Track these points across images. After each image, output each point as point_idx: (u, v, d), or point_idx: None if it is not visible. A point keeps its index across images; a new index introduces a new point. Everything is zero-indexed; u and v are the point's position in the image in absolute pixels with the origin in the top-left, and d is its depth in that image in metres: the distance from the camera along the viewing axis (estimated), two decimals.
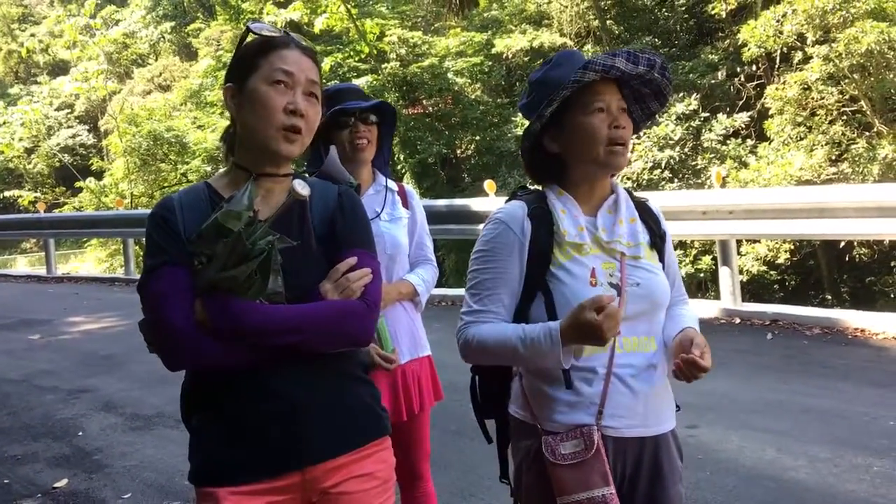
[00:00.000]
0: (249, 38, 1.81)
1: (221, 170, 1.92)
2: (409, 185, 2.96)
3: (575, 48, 16.98)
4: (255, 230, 1.65)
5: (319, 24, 17.19)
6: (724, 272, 7.35)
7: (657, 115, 2.03)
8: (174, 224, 1.73)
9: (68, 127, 31.87)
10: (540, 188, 2.03)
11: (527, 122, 1.97)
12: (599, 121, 1.87)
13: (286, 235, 1.71)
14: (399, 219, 2.80)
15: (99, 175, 26.22)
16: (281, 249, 1.68)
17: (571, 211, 1.92)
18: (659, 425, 1.90)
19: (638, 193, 2.09)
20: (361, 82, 17.78)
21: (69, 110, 32.49)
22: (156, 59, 32.83)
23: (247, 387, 1.71)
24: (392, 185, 2.85)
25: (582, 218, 1.92)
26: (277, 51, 1.77)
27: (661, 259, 1.99)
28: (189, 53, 31.00)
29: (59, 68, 34.81)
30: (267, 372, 1.71)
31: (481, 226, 1.95)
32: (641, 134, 13.11)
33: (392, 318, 2.70)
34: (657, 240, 1.99)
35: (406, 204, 2.86)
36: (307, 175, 1.96)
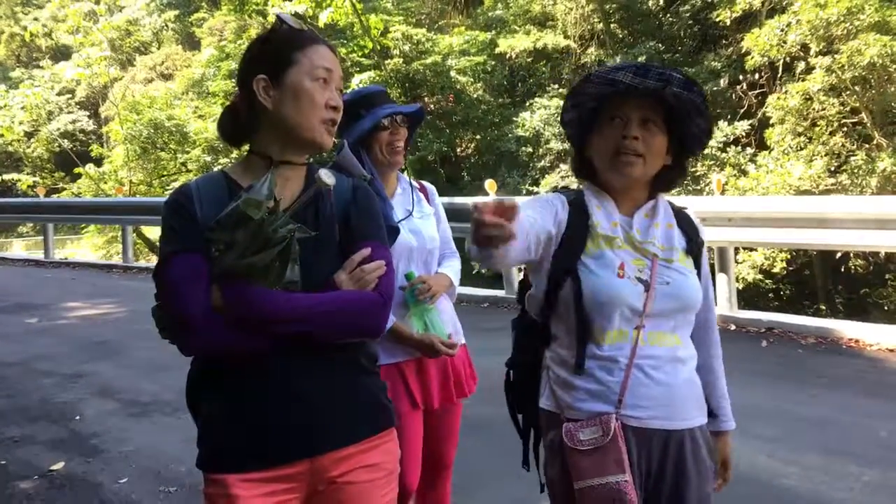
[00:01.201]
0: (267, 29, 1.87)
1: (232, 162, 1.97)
2: (430, 184, 3.08)
3: (578, 51, 17.05)
4: (277, 218, 1.67)
5: (324, 18, 17.19)
6: (721, 279, 7.39)
7: (711, 133, 2.04)
8: (192, 211, 1.74)
9: (69, 112, 31.80)
10: (580, 187, 2.10)
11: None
12: (612, 130, 1.93)
13: (303, 225, 1.73)
14: (428, 215, 2.90)
15: (98, 162, 26.17)
16: (299, 239, 1.70)
17: (606, 207, 1.98)
18: (685, 420, 1.91)
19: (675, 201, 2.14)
20: (364, 77, 17.80)
21: (70, 96, 32.41)
22: (158, 48, 32.79)
23: (258, 374, 1.73)
24: (414, 183, 2.95)
25: (617, 215, 1.97)
26: (313, 46, 1.81)
27: (698, 267, 2.02)
28: (192, 43, 30.97)
29: (61, 53, 34.75)
30: (278, 360, 1.73)
31: None
32: None
33: (439, 310, 2.78)
34: (693, 246, 2.02)
35: (429, 201, 2.97)
36: (323, 166, 1.98)
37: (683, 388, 1.92)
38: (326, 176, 1.77)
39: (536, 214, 1.92)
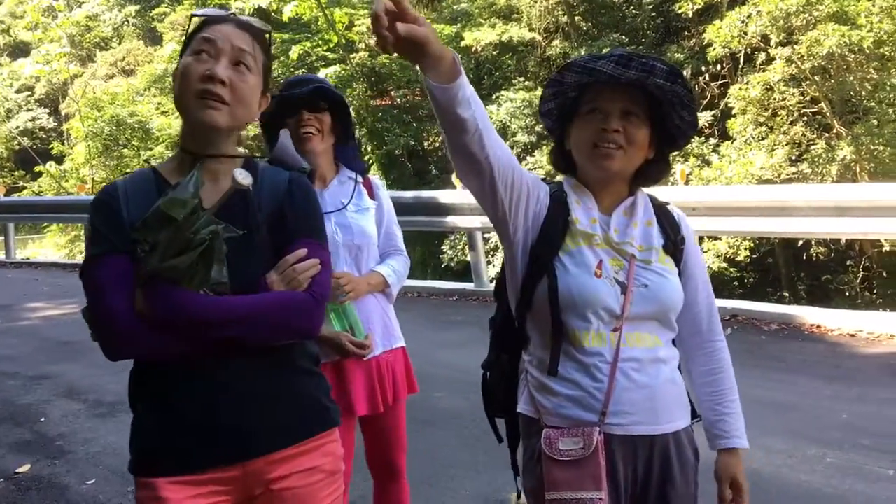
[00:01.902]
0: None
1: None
2: (376, 177, 2.95)
3: (543, 44, 17.12)
4: (198, 218, 1.61)
5: (288, 12, 17.09)
6: None
7: (696, 126, 1.95)
8: (118, 211, 1.68)
9: (28, 110, 31.28)
10: (557, 180, 2.02)
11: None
12: (590, 122, 1.85)
13: (232, 224, 1.66)
14: (366, 209, 2.77)
15: (59, 159, 25.80)
16: (226, 239, 1.64)
17: (586, 203, 1.90)
18: (669, 423, 1.84)
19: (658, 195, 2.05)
20: (330, 72, 17.72)
21: (29, 93, 31.88)
22: (119, 43, 32.32)
23: (189, 377, 1.67)
24: (357, 176, 2.80)
25: (596, 212, 1.89)
26: (211, 26, 1.74)
27: (678, 264, 1.93)
28: (154, 38, 30.56)
29: (19, 50, 34.12)
30: (210, 362, 1.67)
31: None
32: None
33: (364, 310, 2.67)
34: (671, 245, 1.92)
35: (372, 195, 2.83)
36: (257, 161, 1.90)
37: (665, 389, 1.84)
38: (241, 176, 1.67)
39: (522, 170, 1.83)
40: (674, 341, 1.94)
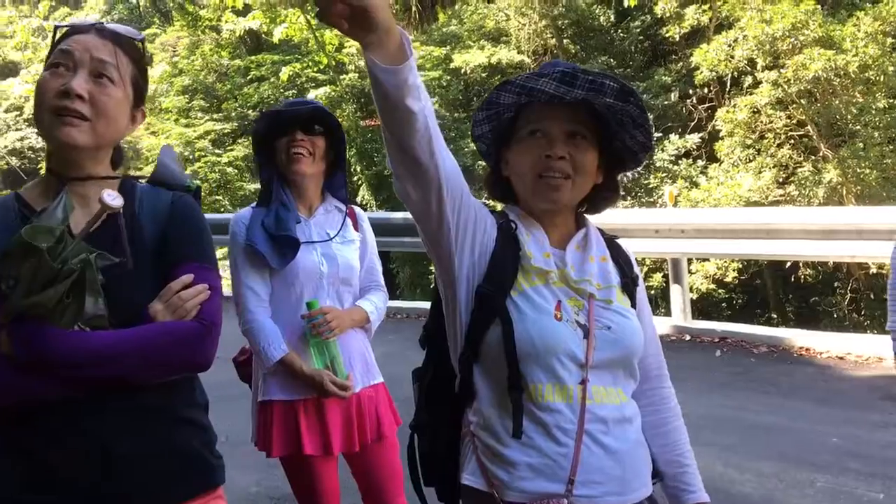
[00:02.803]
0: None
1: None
2: (358, 208, 2.86)
3: (532, 67, 17.21)
4: (66, 247, 1.44)
5: (278, 34, 17.10)
6: (675, 290, 7.49)
7: (650, 147, 1.73)
8: None
9: (17, 129, 31.15)
10: (500, 209, 1.80)
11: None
12: (530, 146, 1.65)
13: (108, 251, 1.51)
14: (351, 241, 2.69)
15: None
16: (103, 268, 1.48)
17: (536, 235, 1.68)
18: (639, 489, 1.62)
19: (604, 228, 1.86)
20: (320, 93, 17.74)
21: (18, 112, 31.74)
22: (151, 67, 32.28)
23: (55, 424, 1.49)
24: (342, 206, 2.73)
25: (548, 247, 1.67)
26: (71, 37, 1.60)
27: (634, 306, 1.74)
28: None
29: (8, 69, 34.04)
30: (80, 407, 1.49)
31: None
32: None
33: (345, 345, 2.59)
34: (629, 282, 1.74)
35: (356, 226, 2.75)
36: (136, 181, 1.74)
37: (634, 452, 1.63)
38: (110, 198, 1.52)
39: (470, 194, 1.59)
40: None
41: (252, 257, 2.55)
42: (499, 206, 1.84)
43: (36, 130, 1.60)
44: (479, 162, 16.17)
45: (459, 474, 1.67)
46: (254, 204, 2.67)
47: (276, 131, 2.57)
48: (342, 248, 2.65)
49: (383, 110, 1.39)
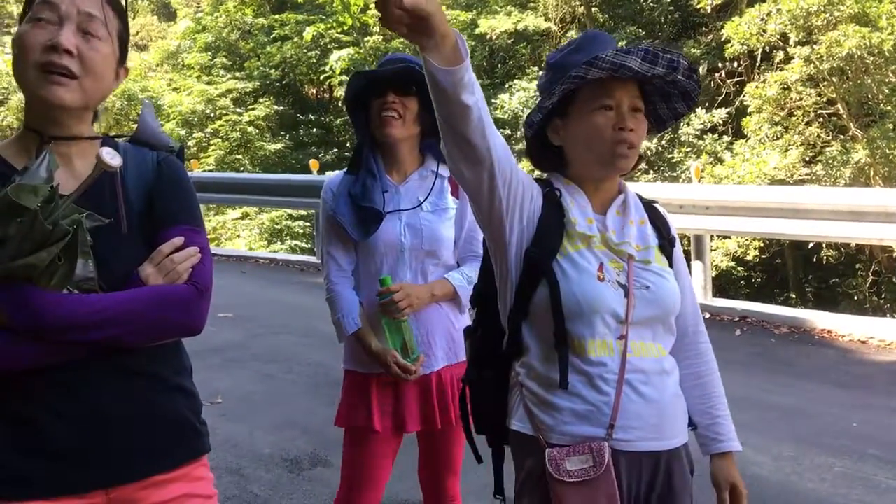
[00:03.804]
0: None
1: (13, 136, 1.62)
2: None
3: (559, 34, 17.00)
4: (57, 207, 1.39)
5: None
6: (696, 266, 7.40)
7: (682, 118, 1.90)
8: None
9: None
10: (544, 176, 1.89)
11: (529, 105, 1.90)
12: (604, 120, 1.73)
13: (97, 212, 1.46)
14: (444, 210, 2.50)
15: None
16: (91, 229, 1.44)
17: (580, 202, 1.78)
18: (673, 438, 1.74)
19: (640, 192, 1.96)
20: (342, 55, 17.65)
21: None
22: (133, 18, 32.22)
23: (44, 387, 1.47)
24: (443, 171, 2.51)
25: (591, 212, 1.78)
26: None
27: (671, 266, 1.85)
28: (168, 14, 30.48)
29: None
30: (70, 371, 1.47)
31: None
32: None
33: (426, 321, 2.45)
34: (666, 244, 1.85)
35: (456, 192, 2.54)
36: (117, 140, 1.68)
37: (672, 403, 1.75)
38: (110, 156, 1.45)
39: (519, 168, 1.72)
40: None
41: (336, 227, 2.46)
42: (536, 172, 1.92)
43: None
44: (501, 129, 16.05)
45: (508, 421, 1.80)
46: (346, 169, 2.55)
47: (368, 91, 2.43)
48: (432, 217, 2.47)
49: (440, 104, 1.51)
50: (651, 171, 14.22)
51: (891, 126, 12.24)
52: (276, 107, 20.55)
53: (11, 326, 1.40)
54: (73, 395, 1.49)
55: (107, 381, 1.52)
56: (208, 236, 1.70)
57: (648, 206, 1.90)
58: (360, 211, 2.42)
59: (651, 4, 16.69)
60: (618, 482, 1.64)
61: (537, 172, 1.92)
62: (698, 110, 14.29)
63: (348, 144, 20.43)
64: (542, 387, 1.72)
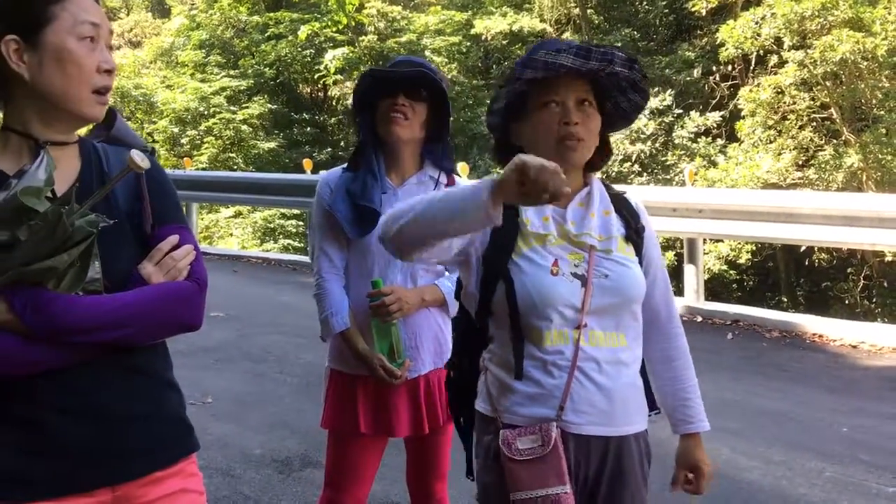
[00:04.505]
0: None
1: None
2: (462, 178, 2.60)
3: (554, 35, 17.00)
4: (73, 210, 1.39)
5: None
6: (689, 270, 7.41)
7: (643, 108, 1.97)
8: None
9: None
10: None
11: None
12: (549, 116, 1.81)
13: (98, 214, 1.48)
14: None
15: None
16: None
17: None
18: (626, 426, 1.83)
19: (617, 187, 2.02)
20: (337, 54, 17.61)
21: None
22: (127, 14, 32.12)
23: (49, 388, 1.47)
24: (442, 177, 2.51)
25: (549, 209, 1.84)
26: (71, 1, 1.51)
27: (639, 253, 1.90)
28: (162, 10, 30.37)
29: None
30: (74, 371, 1.48)
31: None
32: None
33: (415, 325, 2.44)
34: (632, 233, 1.90)
35: None
36: (92, 142, 1.69)
37: (624, 392, 1.82)
38: (140, 159, 1.47)
39: None
40: None
41: (331, 222, 2.44)
42: None
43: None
44: None
45: (476, 402, 1.93)
46: (344, 165, 2.52)
47: (378, 91, 2.41)
48: None
49: (458, 229, 1.67)
50: (644, 174, 14.24)
51: (884, 131, 12.28)
52: (270, 105, 20.48)
53: (28, 332, 1.40)
54: (78, 395, 1.50)
55: (110, 380, 1.54)
56: (201, 234, 1.71)
57: (617, 197, 1.96)
58: (357, 209, 2.40)
59: (646, 7, 16.72)
60: (567, 462, 1.74)
61: None
62: (692, 113, 14.32)
63: (342, 144, 20.40)
64: (503, 371, 1.83)
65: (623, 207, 1.93)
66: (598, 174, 1.99)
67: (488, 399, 1.86)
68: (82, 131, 1.70)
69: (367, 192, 2.39)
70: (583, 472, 1.80)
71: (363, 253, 2.46)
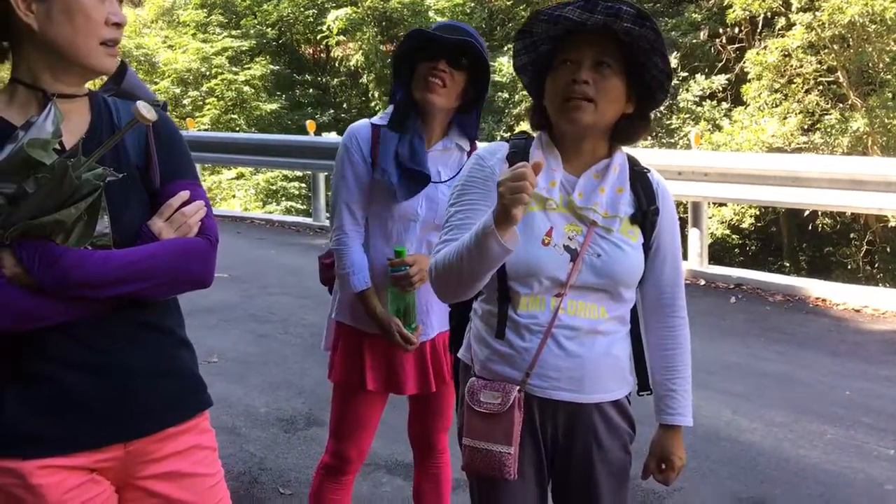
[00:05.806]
0: None
1: None
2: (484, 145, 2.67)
3: None
4: (81, 162, 1.37)
5: None
6: (693, 234, 7.39)
7: (671, 75, 1.82)
8: None
9: None
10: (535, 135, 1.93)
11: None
12: (562, 73, 1.76)
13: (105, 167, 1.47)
14: None
15: None
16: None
17: (550, 163, 1.81)
18: (596, 393, 1.84)
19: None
20: (340, 14, 17.42)
21: None
22: None
23: (62, 344, 1.47)
24: (464, 144, 2.50)
25: (560, 174, 1.81)
26: None
27: (648, 236, 1.86)
28: None
29: None
30: (87, 327, 1.48)
31: None
32: None
33: (426, 292, 2.41)
34: (639, 215, 1.85)
35: None
36: (102, 95, 1.67)
37: (598, 361, 1.82)
38: (147, 110, 1.43)
39: (475, 209, 1.81)
40: (633, 312, 1.94)
41: (358, 178, 2.42)
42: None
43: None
44: (499, 93, 15.93)
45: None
46: (374, 119, 2.48)
47: (419, 53, 2.35)
48: (448, 191, 2.39)
49: (476, 265, 1.68)
50: (649, 138, 14.14)
51: (890, 95, 12.16)
52: (272, 66, 20.29)
53: (38, 285, 1.40)
54: (92, 350, 1.50)
55: (124, 335, 1.54)
56: None
57: (638, 173, 1.89)
58: (406, 171, 2.37)
59: None
60: (532, 422, 1.83)
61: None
62: (698, 76, 14.18)
63: (345, 106, 20.26)
64: (484, 326, 1.89)
65: (641, 185, 1.87)
66: (627, 149, 1.92)
67: (469, 348, 1.96)
68: (94, 85, 1.68)
69: (416, 156, 2.38)
70: (550, 433, 1.86)
71: (384, 216, 2.45)
